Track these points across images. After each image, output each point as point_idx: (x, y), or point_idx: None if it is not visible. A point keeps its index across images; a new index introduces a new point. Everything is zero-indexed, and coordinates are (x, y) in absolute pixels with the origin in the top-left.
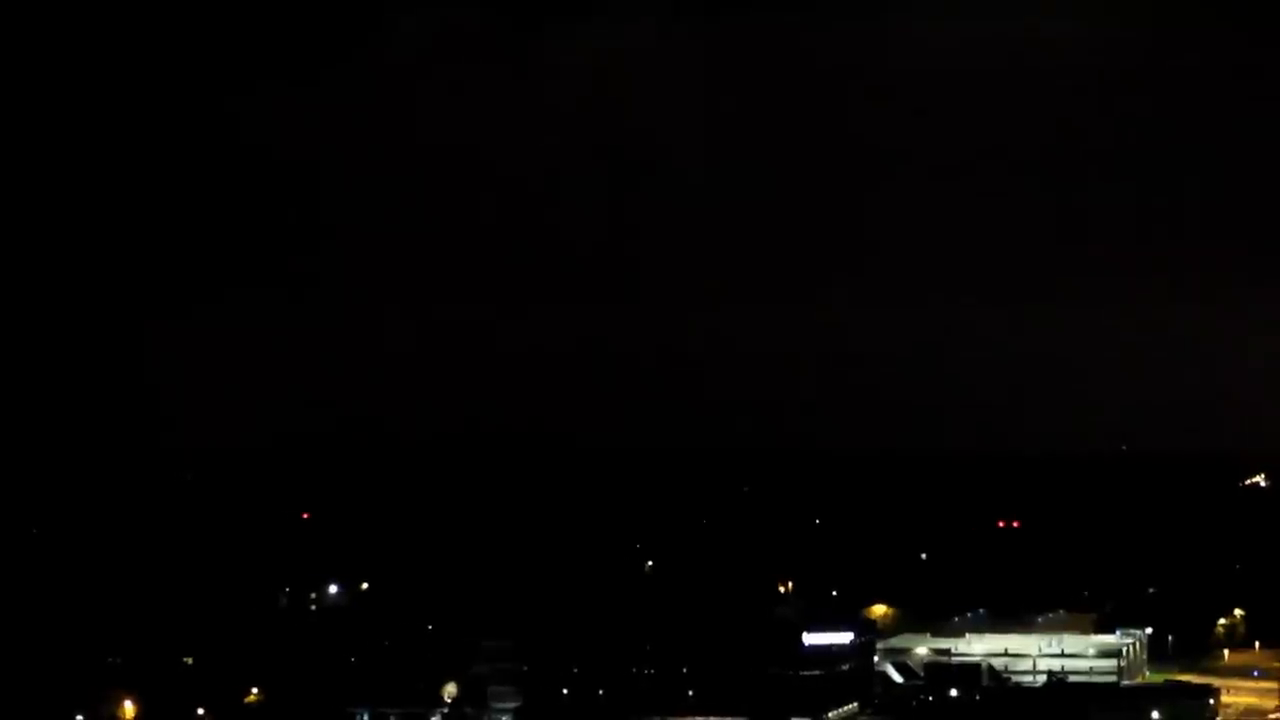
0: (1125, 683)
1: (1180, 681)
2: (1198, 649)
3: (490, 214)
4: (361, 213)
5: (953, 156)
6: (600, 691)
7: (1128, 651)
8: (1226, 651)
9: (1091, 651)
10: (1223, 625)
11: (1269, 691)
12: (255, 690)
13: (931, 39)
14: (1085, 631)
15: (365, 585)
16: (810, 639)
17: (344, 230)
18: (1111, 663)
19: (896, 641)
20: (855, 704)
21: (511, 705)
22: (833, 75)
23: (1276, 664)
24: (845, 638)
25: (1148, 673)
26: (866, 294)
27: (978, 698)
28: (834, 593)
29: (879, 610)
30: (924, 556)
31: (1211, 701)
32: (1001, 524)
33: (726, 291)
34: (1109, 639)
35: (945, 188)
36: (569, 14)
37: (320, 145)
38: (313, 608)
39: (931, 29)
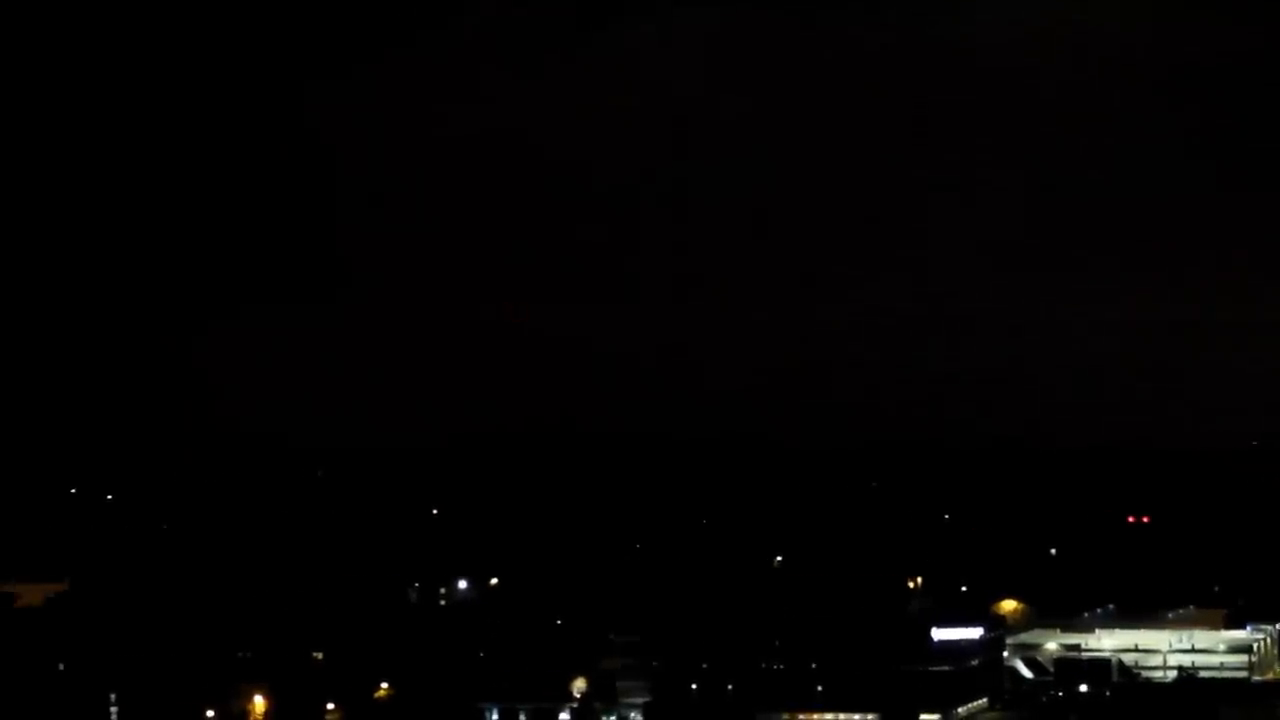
0: (1256, 679)
1: None
2: None
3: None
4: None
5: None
6: (729, 686)
7: (1258, 647)
8: None
9: (1222, 647)
10: None
11: None
12: (385, 685)
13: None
14: (1215, 627)
15: (494, 580)
16: (939, 634)
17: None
18: (1242, 658)
19: (1026, 637)
20: (985, 699)
21: (640, 700)
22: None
23: None
24: (975, 633)
25: (1279, 668)
26: (990, 286)
27: (1108, 693)
28: (963, 588)
29: (1008, 605)
30: (1054, 552)
31: None
32: (1131, 519)
33: (839, 286)
34: (1239, 634)
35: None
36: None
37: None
38: (442, 603)
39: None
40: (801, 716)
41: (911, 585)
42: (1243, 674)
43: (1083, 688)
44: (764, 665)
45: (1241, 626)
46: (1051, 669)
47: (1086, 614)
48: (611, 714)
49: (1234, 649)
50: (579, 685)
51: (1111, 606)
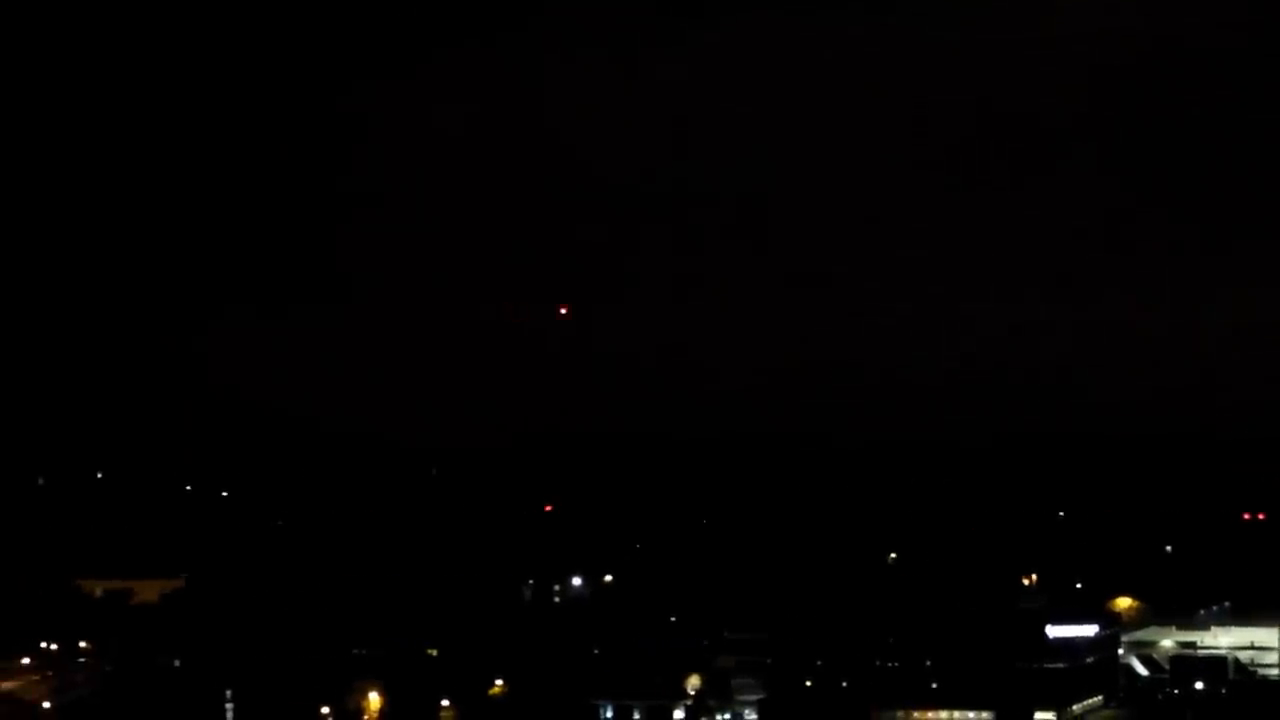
0: None
1: None
2: None
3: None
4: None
5: None
6: (844, 683)
7: None
8: None
9: None
10: None
11: None
12: (499, 682)
13: None
14: None
15: (609, 577)
16: (1054, 632)
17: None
18: None
19: (1141, 634)
20: (1100, 697)
21: (755, 698)
22: None
23: None
24: (1089, 630)
25: None
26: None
27: (1224, 691)
28: (1078, 585)
29: (1124, 603)
30: (1169, 549)
31: None
32: (1247, 516)
33: (935, 285)
34: None
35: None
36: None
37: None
38: (556, 600)
39: None
40: (916, 714)
41: (1026, 582)
42: None
43: (1198, 685)
44: (879, 662)
45: None
46: (1167, 667)
47: (1202, 611)
48: (726, 711)
49: None
50: (693, 682)
51: (1227, 604)
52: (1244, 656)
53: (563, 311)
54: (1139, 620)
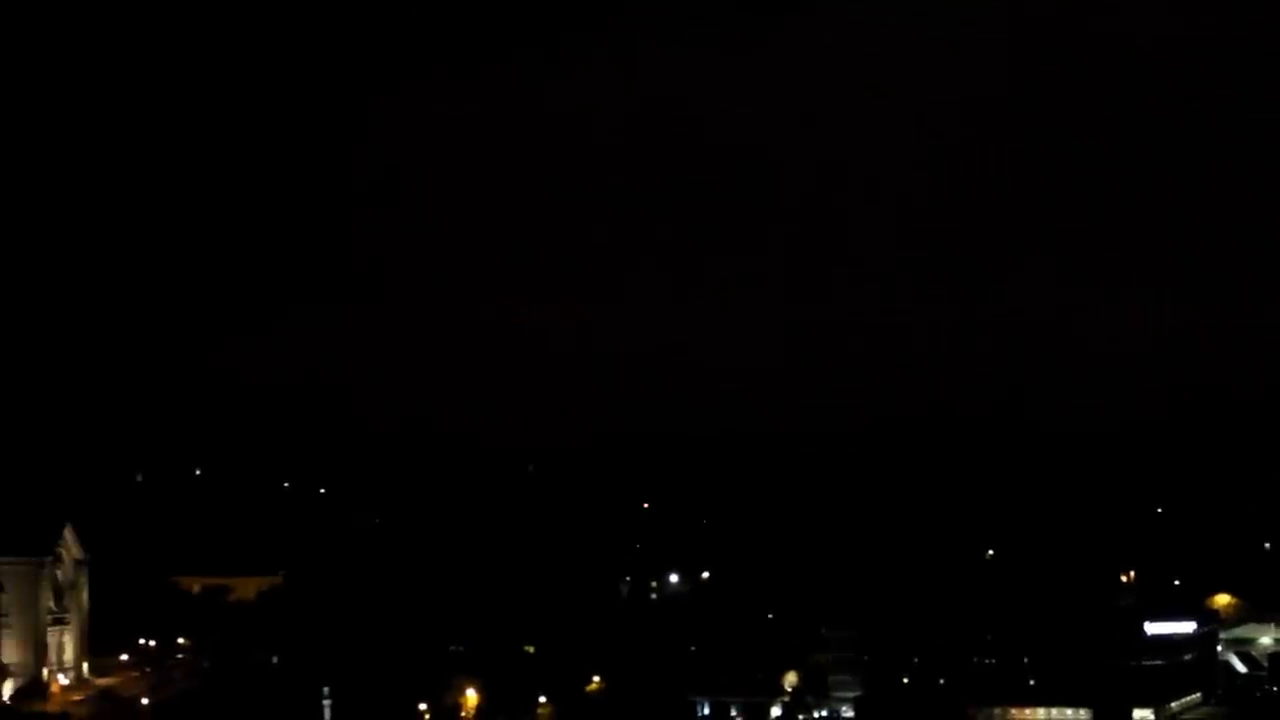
0: None
1: None
2: None
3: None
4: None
5: None
6: (941, 680)
7: None
8: None
9: None
10: None
11: None
12: (596, 679)
13: None
14: None
15: (706, 574)
16: (1152, 629)
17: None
18: None
19: (1240, 631)
20: (1198, 694)
21: (852, 694)
22: None
23: None
24: (1187, 627)
25: None
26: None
27: None
28: (1176, 582)
29: (1222, 600)
30: (1268, 546)
31: None
32: None
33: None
34: None
35: None
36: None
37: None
38: (653, 597)
39: None
40: (1014, 711)
41: (1124, 579)
42: None
43: None
44: (976, 659)
45: None
46: (1265, 664)
47: None
48: (822, 708)
49: None
50: (790, 679)
51: None
52: None
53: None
54: (1237, 617)
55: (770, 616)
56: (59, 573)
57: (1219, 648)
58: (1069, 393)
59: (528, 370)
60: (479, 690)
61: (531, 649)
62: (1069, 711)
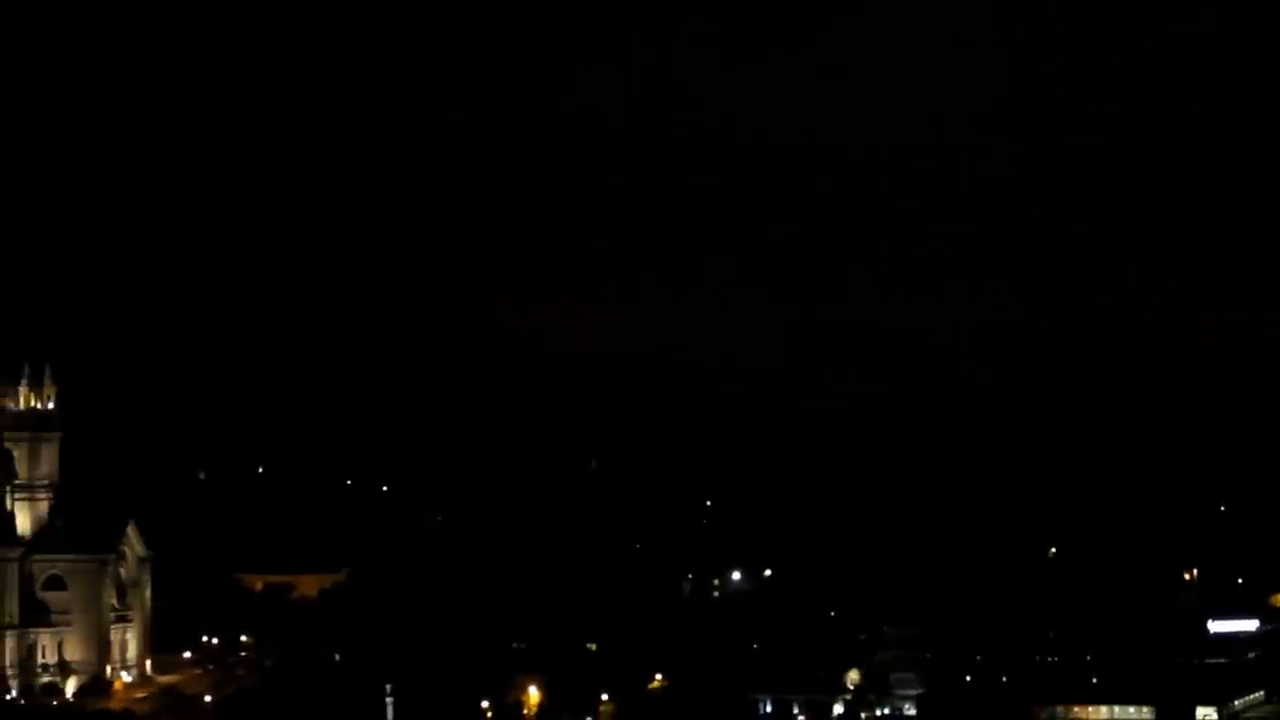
0: None
1: None
2: None
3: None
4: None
5: None
6: (1003, 678)
7: None
8: None
9: None
10: None
11: None
12: (658, 676)
13: None
14: None
15: (768, 572)
16: (1215, 627)
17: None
18: None
19: None
20: (1261, 693)
21: (914, 692)
22: None
23: None
24: (1251, 625)
25: None
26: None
27: None
28: (1239, 580)
29: None
30: None
31: None
32: None
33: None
34: None
35: None
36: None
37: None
38: (715, 594)
39: None
40: (1076, 709)
41: (1187, 577)
42: None
43: None
44: (1038, 657)
45: None
46: None
47: None
48: (885, 706)
49: None
50: (852, 677)
51: None
52: None
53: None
54: None
55: (832, 614)
56: (122, 570)
57: None
58: (1142, 393)
59: (566, 370)
60: (541, 688)
61: (593, 647)
62: (1131, 709)
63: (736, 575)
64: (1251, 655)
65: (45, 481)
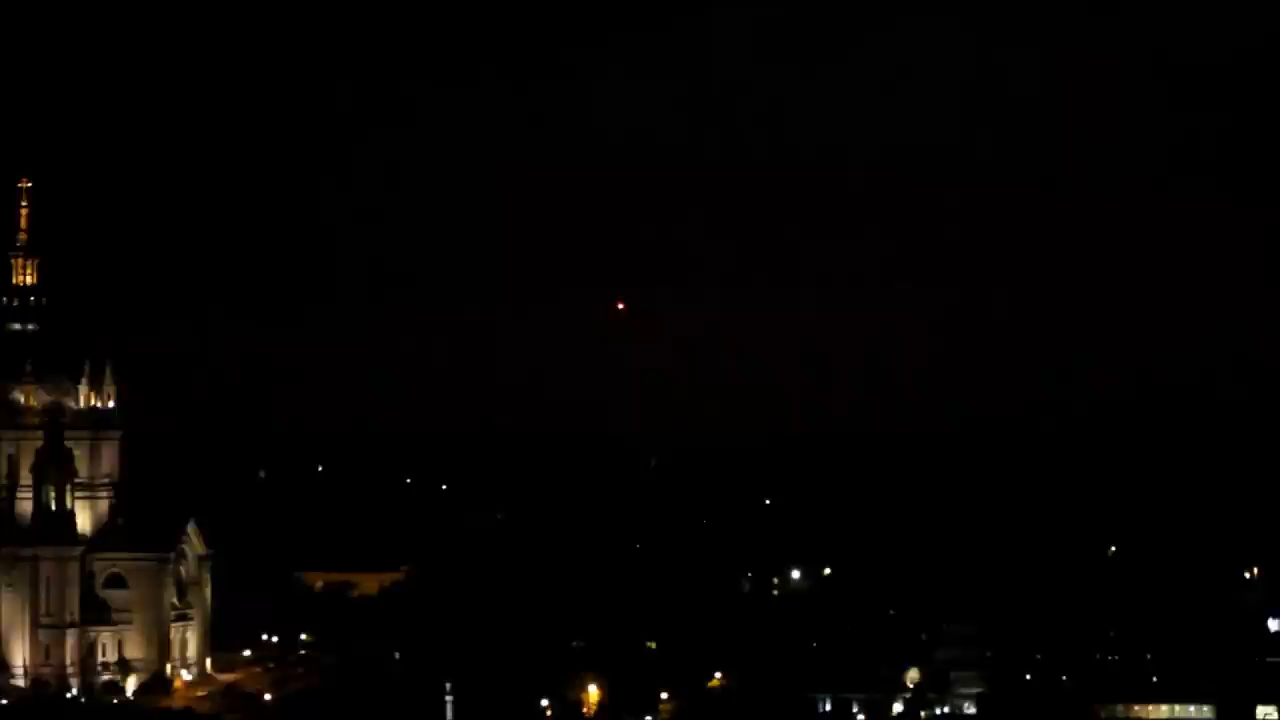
0: None
1: None
2: None
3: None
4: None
5: None
6: (1064, 677)
7: None
8: None
9: None
10: None
11: None
12: (718, 674)
13: None
14: None
15: (827, 570)
16: (1276, 625)
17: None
18: None
19: None
20: None
21: (974, 691)
22: None
23: None
24: None
25: None
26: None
27: None
28: None
29: None
30: None
31: None
32: None
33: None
34: None
35: None
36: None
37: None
38: (775, 592)
39: None
40: (1137, 708)
41: (1248, 575)
42: None
43: None
44: (1098, 656)
45: None
46: None
47: None
48: (945, 705)
49: None
50: (912, 676)
51: None
52: None
53: (620, 306)
54: None
55: (892, 612)
56: (182, 569)
57: None
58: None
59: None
60: (601, 686)
61: (653, 645)
62: (1192, 708)
63: (796, 573)
64: None
65: (106, 480)
